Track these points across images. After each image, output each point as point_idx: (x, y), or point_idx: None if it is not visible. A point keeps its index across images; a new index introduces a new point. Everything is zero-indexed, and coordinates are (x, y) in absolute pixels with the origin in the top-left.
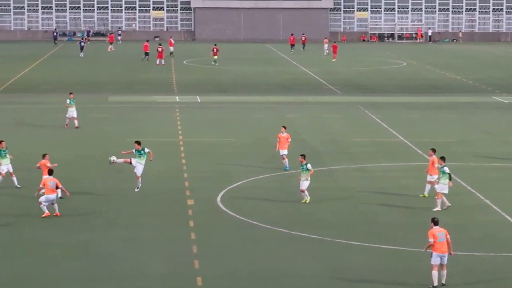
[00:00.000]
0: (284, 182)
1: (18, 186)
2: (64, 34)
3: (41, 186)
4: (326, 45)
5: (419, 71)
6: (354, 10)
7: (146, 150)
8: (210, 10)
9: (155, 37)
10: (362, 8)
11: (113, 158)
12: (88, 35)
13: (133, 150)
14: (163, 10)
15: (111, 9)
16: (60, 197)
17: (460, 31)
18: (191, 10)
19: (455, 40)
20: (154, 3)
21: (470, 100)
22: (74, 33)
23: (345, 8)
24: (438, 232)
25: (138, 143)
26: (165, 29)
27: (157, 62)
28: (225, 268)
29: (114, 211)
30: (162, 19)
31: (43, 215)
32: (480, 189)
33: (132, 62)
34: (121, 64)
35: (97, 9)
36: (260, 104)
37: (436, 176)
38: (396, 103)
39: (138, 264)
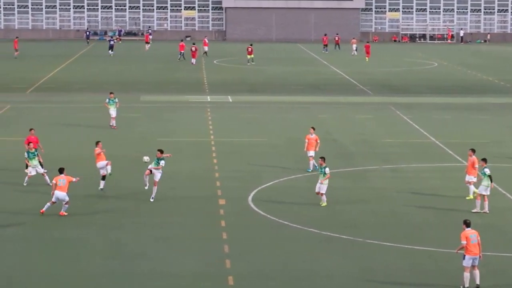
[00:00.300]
0: (315, 182)
1: (50, 184)
2: (95, 34)
3: (53, 182)
4: (354, 46)
5: (451, 71)
6: (385, 11)
7: (161, 163)
8: (241, 10)
9: (186, 36)
10: (394, 8)
11: (147, 158)
12: (119, 35)
13: (151, 168)
14: (195, 9)
15: (143, 9)
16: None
17: (489, 33)
18: (222, 9)
19: (487, 41)
20: (185, 2)
21: (501, 101)
22: (106, 32)
23: (376, 8)
24: (471, 234)
25: (161, 151)
26: (196, 29)
27: (192, 61)
28: (256, 268)
29: (146, 210)
30: (193, 19)
31: (41, 210)
32: None
33: (163, 62)
34: (153, 63)
35: (129, 9)
36: (292, 104)
37: (473, 177)
38: (427, 103)
39: (170, 263)
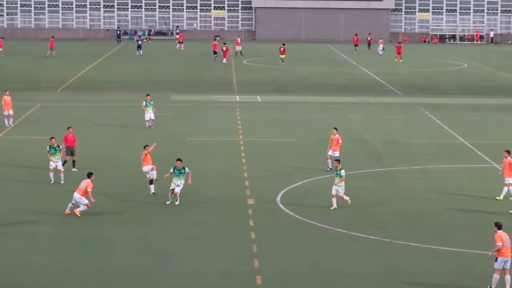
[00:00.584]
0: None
1: (62, 182)
2: (125, 33)
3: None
4: (381, 46)
5: (480, 72)
6: (415, 11)
7: (187, 170)
8: (271, 9)
9: (216, 36)
10: (424, 9)
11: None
12: (149, 34)
13: (171, 170)
14: (224, 9)
15: (173, 8)
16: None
17: None
18: (252, 9)
19: None
20: (215, 2)
21: None
22: (136, 32)
23: (406, 9)
24: (504, 236)
25: (180, 160)
26: (225, 29)
27: (223, 61)
28: (284, 267)
29: (174, 210)
30: (223, 19)
31: (65, 212)
32: None
33: (193, 61)
34: (182, 63)
35: (159, 8)
36: (321, 104)
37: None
38: (457, 104)
39: (198, 262)
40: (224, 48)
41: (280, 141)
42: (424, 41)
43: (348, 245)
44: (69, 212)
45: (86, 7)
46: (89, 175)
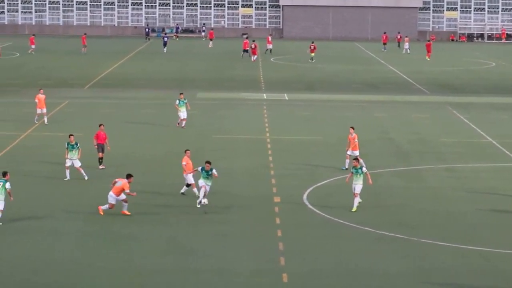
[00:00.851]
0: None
1: (86, 178)
2: (153, 30)
3: (115, 180)
4: (406, 44)
5: (508, 71)
6: (443, 10)
7: (214, 171)
8: (298, 7)
9: (243, 34)
10: (452, 7)
11: (205, 200)
12: (176, 32)
13: (199, 168)
14: (252, 7)
15: (200, 6)
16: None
17: None
18: (279, 7)
19: None
20: (243, 0)
21: None
22: (163, 29)
23: (434, 7)
24: None
25: (209, 163)
26: (253, 27)
27: (252, 58)
28: (311, 266)
29: (201, 207)
30: (250, 16)
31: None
32: None
33: (220, 59)
34: (209, 60)
35: (186, 6)
36: (348, 102)
37: None
38: (485, 103)
39: (224, 259)
40: (253, 46)
41: (306, 139)
42: (452, 40)
43: (375, 244)
44: (103, 210)
45: (114, 5)
46: (128, 177)
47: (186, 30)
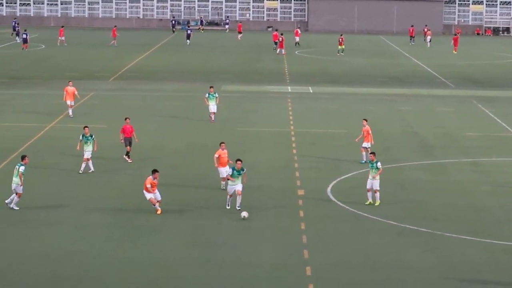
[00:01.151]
0: (394, 174)
1: (92, 170)
2: (178, 23)
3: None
4: (429, 37)
5: None
6: (469, 3)
7: (245, 170)
8: (324, 0)
9: (268, 27)
10: (478, 1)
11: (245, 214)
12: (201, 24)
13: (229, 173)
14: (277, 0)
15: None
16: None
17: None
18: (304, 0)
19: None
20: None
21: None
22: (188, 22)
23: (460, 1)
24: None
25: (240, 161)
26: (278, 19)
27: (279, 51)
28: (334, 259)
29: (225, 200)
30: (275, 9)
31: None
32: None
33: (245, 52)
34: (234, 53)
35: None
36: (373, 96)
37: None
38: (510, 97)
39: (248, 252)
40: (280, 39)
41: (331, 132)
42: (478, 34)
43: (399, 237)
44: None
45: None
46: (152, 172)
47: (211, 23)
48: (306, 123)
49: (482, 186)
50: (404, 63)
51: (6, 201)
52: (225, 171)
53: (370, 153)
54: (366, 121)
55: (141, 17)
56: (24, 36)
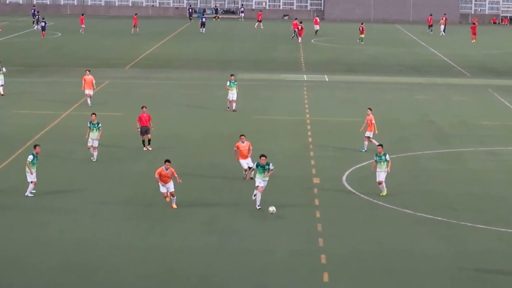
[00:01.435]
0: (410, 163)
1: (94, 159)
2: (194, 11)
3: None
4: (442, 26)
5: None
6: None
7: (271, 166)
8: None
9: (284, 15)
10: None
11: (272, 209)
12: (216, 12)
13: (254, 166)
14: None
15: None
16: None
17: None
18: None
19: None
20: None
21: None
22: (204, 10)
23: None
24: None
25: (265, 156)
26: (294, 8)
27: (298, 39)
28: (349, 247)
29: (240, 188)
30: None
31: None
32: None
33: (261, 40)
34: (251, 41)
35: None
36: (389, 84)
37: None
38: None
39: (263, 240)
40: (300, 27)
41: (346, 120)
42: (494, 23)
43: (414, 226)
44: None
45: None
46: (165, 162)
47: (227, 11)
48: (322, 112)
49: (498, 175)
50: (420, 52)
51: (26, 194)
52: (246, 162)
53: (378, 145)
54: (371, 110)
55: (158, 5)
56: (43, 24)
